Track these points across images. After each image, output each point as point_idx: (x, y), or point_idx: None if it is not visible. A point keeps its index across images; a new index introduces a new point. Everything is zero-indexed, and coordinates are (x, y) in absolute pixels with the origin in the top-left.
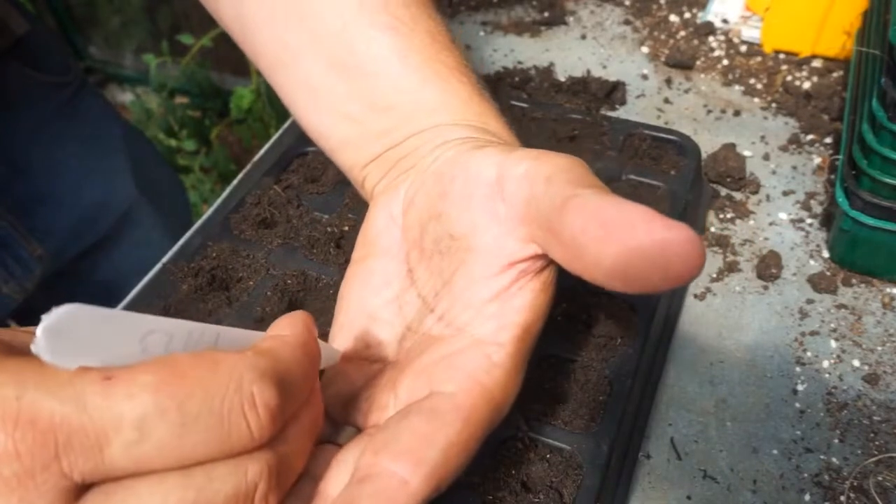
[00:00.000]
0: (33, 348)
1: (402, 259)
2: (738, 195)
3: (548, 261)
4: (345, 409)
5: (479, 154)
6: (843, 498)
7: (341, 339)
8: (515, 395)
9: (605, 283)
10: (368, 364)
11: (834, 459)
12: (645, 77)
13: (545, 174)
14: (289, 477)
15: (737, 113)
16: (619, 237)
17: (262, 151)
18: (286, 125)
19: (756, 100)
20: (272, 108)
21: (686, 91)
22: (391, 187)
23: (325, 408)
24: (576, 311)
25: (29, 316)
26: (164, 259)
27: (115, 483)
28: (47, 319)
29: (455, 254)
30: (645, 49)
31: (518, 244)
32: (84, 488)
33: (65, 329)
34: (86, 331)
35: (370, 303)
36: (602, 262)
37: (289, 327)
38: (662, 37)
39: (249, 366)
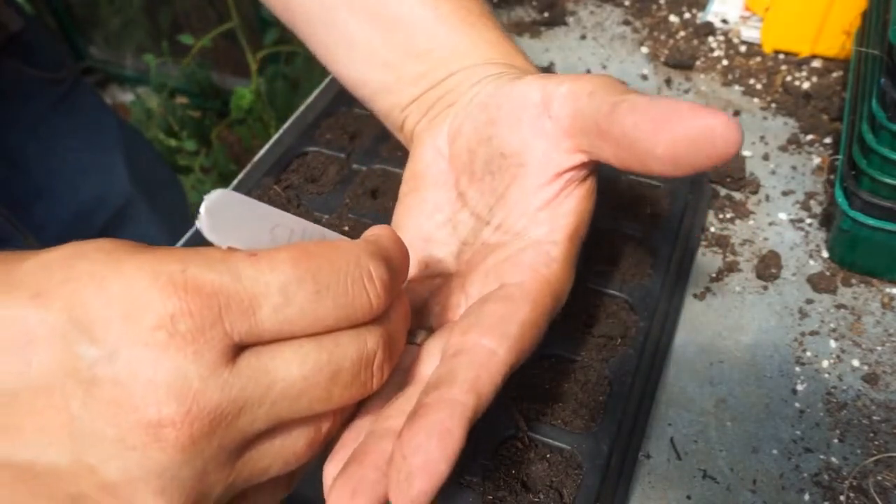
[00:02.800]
0: (197, 224)
1: (450, 186)
2: (737, 195)
3: (590, 170)
4: (416, 316)
5: (521, 82)
6: (842, 498)
7: None
8: (570, 287)
9: (657, 170)
10: (430, 279)
11: (833, 459)
12: (645, 77)
13: (587, 90)
14: (395, 354)
15: (736, 113)
16: (669, 127)
17: (262, 151)
18: (286, 125)
19: (756, 100)
20: (272, 108)
21: (686, 91)
22: (434, 124)
23: None
24: (576, 311)
25: None
26: None
27: (263, 346)
28: (208, 200)
29: (507, 170)
30: (645, 49)
31: (565, 156)
32: (240, 349)
33: (219, 210)
34: (233, 214)
35: (424, 227)
36: (655, 151)
37: (382, 229)
38: (662, 37)
39: (363, 247)
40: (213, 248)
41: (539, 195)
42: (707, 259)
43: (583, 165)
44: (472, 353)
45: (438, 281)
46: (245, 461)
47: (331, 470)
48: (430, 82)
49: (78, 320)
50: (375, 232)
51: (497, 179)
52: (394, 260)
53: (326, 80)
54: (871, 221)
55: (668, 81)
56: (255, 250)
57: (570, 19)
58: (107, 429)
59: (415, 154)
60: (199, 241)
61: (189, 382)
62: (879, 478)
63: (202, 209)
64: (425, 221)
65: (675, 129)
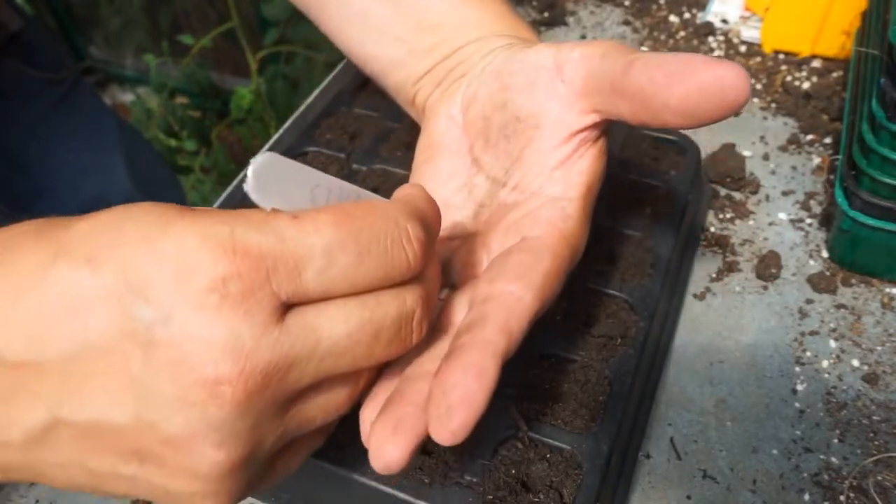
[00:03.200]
0: (245, 186)
1: (465, 153)
2: (737, 195)
3: (602, 130)
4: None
5: (533, 49)
6: (842, 498)
7: None
8: (585, 242)
9: (671, 122)
10: (449, 241)
11: (833, 459)
12: None
13: (599, 53)
14: (431, 310)
15: (736, 113)
16: (682, 79)
17: (262, 151)
18: (286, 125)
19: (756, 100)
20: (272, 108)
21: None
22: (446, 95)
23: None
24: (576, 311)
25: None
26: None
27: (308, 305)
28: (255, 163)
29: (522, 133)
30: (645, 49)
31: (578, 116)
32: (287, 308)
33: (265, 172)
34: (276, 176)
35: (440, 193)
36: (669, 103)
37: (413, 188)
38: (662, 37)
39: (400, 208)
40: (255, 210)
41: (554, 155)
42: (707, 259)
43: (595, 126)
44: (501, 299)
45: (457, 242)
46: (293, 414)
47: (368, 414)
48: (442, 54)
49: (132, 283)
50: (408, 191)
51: (512, 143)
52: (428, 219)
53: (326, 81)
54: (871, 221)
55: None
56: (297, 212)
57: (570, 19)
58: (166, 387)
59: (428, 124)
60: None
61: (242, 342)
62: (879, 478)
63: (249, 172)
64: (441, 188)
65: (688, 81)
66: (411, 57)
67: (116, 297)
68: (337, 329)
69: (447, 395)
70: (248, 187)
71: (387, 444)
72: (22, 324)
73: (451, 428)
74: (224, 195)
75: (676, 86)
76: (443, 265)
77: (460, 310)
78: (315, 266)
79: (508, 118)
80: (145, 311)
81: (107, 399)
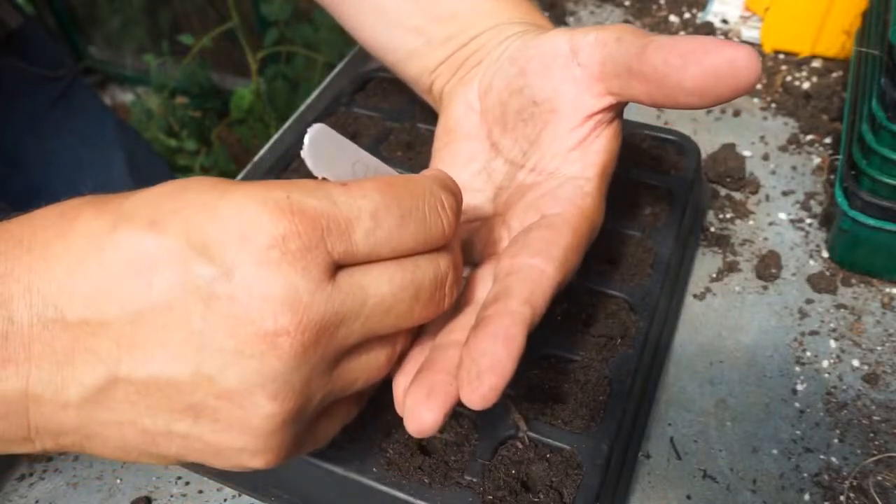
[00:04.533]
0: (302, 153)
1: (483, 137)
2: (737, 195)
3: (616, 112)
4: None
5: (548, 35)
6: (842, 498)
7: None
8: (602, 218)
9: (684, 102)
10: (469, 223)
11: (834, 459)
12: None
13: (614, 36)
14: (461, 278)
15: (736, 113)
16: (697, 61)
17: (262, 151)
18: (286, 125)
19: (756, 100)
20: (272, 108)
21: None
22: (463, 82)
23: None
24: (576, 311)
25: None
26: None
27: (356, 266)
28: (310, 133)
29: (539, 117)
30: None
31: (594, 99)
32: (337, 268)
33: (318, 141)
34: (326, 147)
35: (459, 177)
36: (683, 84)
37: (436, 170)
38: None
39: (434, 179)
40: (305, 179)
41: (571, 137)
42: (707, 259)
43: (611, 108)
44: (524, 272)
45: (477, 224)
46: (339, 373)
47: (401, 381)
48: (459, 43)
49: (194, 243)
50: (433, 172)
51: (530, 126)
52: (455, 192)
53: (327, 81)
54: (871, 221)
55: None
56: (343, 181)
57: (571, 19)
58: (226, 341)
59: (446, 111)
60: None
61: (300, 296)
62: (879, 478)
63: (306, 140)
64: (460, 172)
65: (702, 62)
66: (428, 47)
67: (179, 257)
68: (382, 288)
69: (477, 362)
70: (304, 153)
71: (421, 407)
72: (84, 285)
73: (481, 392)
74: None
75: (691, 67)
76: (464, 245)
77: (484, 284)
78: (363, 228)
79: (525, 103)
80: (208, 268)
81: (166, 354)
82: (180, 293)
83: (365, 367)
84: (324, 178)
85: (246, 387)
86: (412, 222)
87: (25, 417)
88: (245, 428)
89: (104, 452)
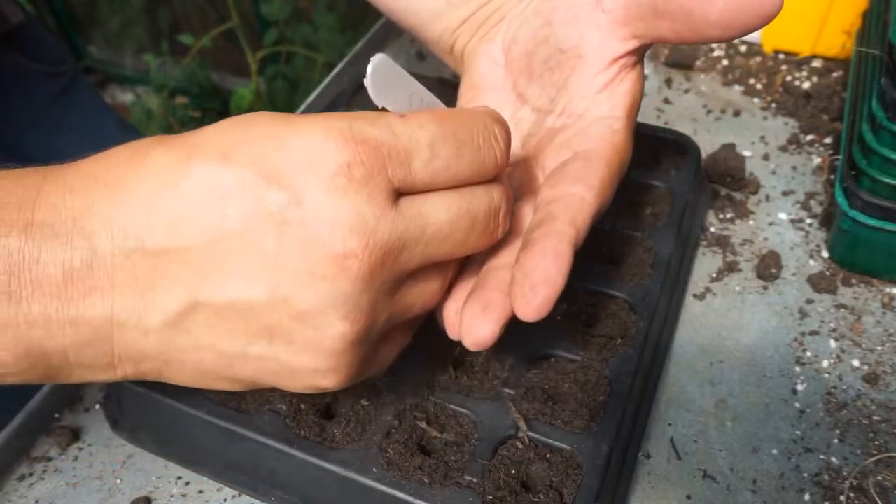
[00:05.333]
0: (365, 81)
1: (508, 89)
2: (737, 195)
3: (640, 56)
4: None
5: None
6: (842, 498)
7: None
8: (630, 155)
9: (711, 35)
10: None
11: (834, 459)
12: (645, 77)
13: None
14: (511, 209)
15: (737, 113)
16: None
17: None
18: None
19: (756, 100)
20: (272, 108)
21: (686, 91)
22: (486, 40)
23: None
24: (576, 311)
25: None
26: None
27: (415, 195)
28: (373, 62)
29: (566, 63)
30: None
31: (619, 43)
32: (398, 196)
33: (379, 71)
34: (386, 77)
35: None
36: (709, 18)
37: (486, 106)
38: None
39: (486, 113)
40: (364, 111)
41: (598, 80)
42: (707, 259)
43: (635, 51)
44: (565, 199)
45: (510, 169)
46: (399, 297)
47: (452, 306)
48: (479, 3)
49: (265, 173)
50: (483, 107)
51: (556, 73)
52: (506, 127)
53: (326, 81)
54: (871, 221)
55: (669, 81)
56: (401, 112)
57: None
58: (299, 264)
59: (470, 69)
60: None
61: (366, 220)
62: (880, 478)
63: (369, 69)
64: None
65: None
66: (450, 7)
67: (251, 186)
68: (441, 216)
69: (529, 276)
70: (367, 82)
71: (477, 320)
72: (162, 216)
73: (536, 304)
74: None
75: (716, 0)
76: None
77: (525, 218)
78: (422, 157)
79: (552, 51)
80: (279, 196)
81: (243, 279)
82: (254, 220)
83: (421, 294)
84: (383, 109)
85: (319, 307)
86: (468, 152)
87: (110, 344)
88: (318, 348)
89: (181, 378)
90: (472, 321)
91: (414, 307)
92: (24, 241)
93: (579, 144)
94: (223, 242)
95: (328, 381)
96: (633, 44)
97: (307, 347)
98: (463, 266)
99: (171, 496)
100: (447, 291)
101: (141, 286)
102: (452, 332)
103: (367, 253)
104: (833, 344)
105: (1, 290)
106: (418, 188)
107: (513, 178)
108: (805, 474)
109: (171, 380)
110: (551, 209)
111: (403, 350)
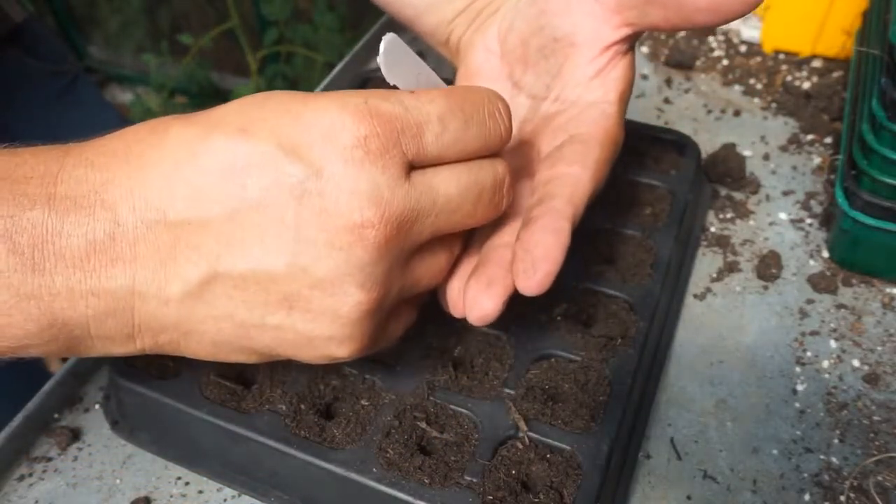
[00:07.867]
0: (378, 59)
1: (504, 78)
2: (738, 195)
3: (631, 43)
4: None
5: None
6: (842, 498)
7: None
8: (623, 139)
9: (700, 20)
10: None
11: (834, 459)
12: (645, 77)
13: None
14: (514, 184)
15: (737, 113)
16: None
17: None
18: None
19: (756, 100)
20: None
21: (686, 91)
22: (481, 30)
23: None
24: (576, 311)
25: None
26: None
27: (426, 168)
28: (385, 41)
29: (560, 51)
30: (645, 49)
31: (611, 31)
32: (410, 168)
33: (391, 50)
34: (396, 56)
35: None
36: (699, 3)
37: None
38: (662, 37)
39: (488, 90)
40: (377, 89)
41: (590, 67)
42: (707, 259)
43: (627, 38)
44: (562, 178)
45: (507, 153)
46: (410, 269)
47: (455, 284)
48: None
49: (283, 146)
50: (485, 87)
51: (551, 61)
52: (507, 104)
53: (326, 80)
54: (871, 221)
55: (669, 81)
56: (410, 90)
57: None
58: (318, 234)
59: (465, 59)
60: None
61: (381, 191)
62: (880, 478)
63: (381, 47)
64: None
65: None
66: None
67: (270, 159)
68: (451, 188)
69: (531, 252)
70: (380, 59)
71: (482, 296)
72: (183, 188)
73: (537, 279)
74: None
75: None
76: None
77: (524, 196)
78: (433, 131)
79: (546, 40)
80: (298, 167)
81: (263, 249)
82: (274, 191)
83: (430, 267)
84: (394, 86)
85: (336, 276)
86: (474, 126)
87: (130, 315)
88: (335, 316)
89: (198, 350)
90: (476, 297)
91: (422, 280)
92: (47, 213)
93: (574, 128)
94: (243, 214)
95: (343, 350)
96: (624, 31)
97: (325, 315)
98: (465, 247)
99: (171, 496)
100: (450, 271)
101: (162, 257)
102: (456, 310)
103: (383, 223)
104: (833, 344)
105: (25, 263)
106: (429, 161)
107: (510, 161)
108: (805, 474)
109: (187, 352)
110: (549, 188)
111: (407, 333)
